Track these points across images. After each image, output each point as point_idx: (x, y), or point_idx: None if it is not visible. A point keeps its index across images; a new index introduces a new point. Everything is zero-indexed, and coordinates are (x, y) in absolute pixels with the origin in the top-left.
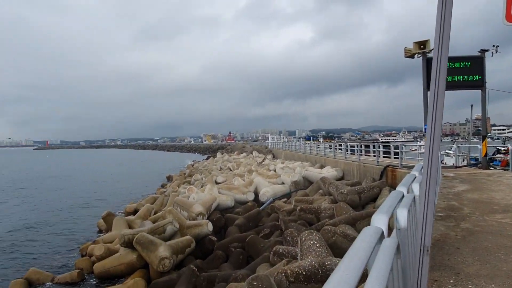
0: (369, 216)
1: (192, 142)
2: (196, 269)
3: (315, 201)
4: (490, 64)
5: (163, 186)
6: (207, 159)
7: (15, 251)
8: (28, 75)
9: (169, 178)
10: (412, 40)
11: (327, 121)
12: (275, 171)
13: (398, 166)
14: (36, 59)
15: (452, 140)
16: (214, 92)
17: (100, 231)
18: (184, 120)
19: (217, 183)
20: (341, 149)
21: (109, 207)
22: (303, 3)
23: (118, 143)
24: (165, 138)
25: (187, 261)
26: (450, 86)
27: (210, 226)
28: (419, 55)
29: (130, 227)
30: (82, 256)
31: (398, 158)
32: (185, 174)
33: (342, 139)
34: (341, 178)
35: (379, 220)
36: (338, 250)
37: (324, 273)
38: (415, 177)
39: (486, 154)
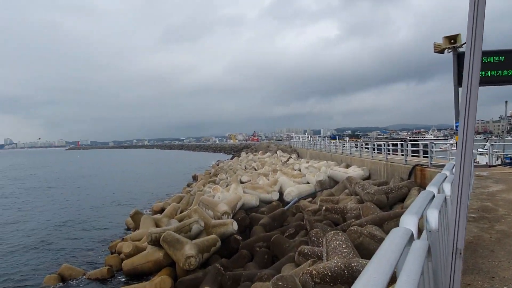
0: (397, 216)
1: (217, 141)
2: (222, 268)
3: (341, 201)
4: None
5: (189, 185)
6: (232, 158)
7: (48, 248)
8: (59, 79)
9: (195, 178)
10: (441, 35)
11: (352, 120)
12: (299, 170)
13: (428, 165)
14: (67, 63)
15: (485, 138)
16: (239, 91)
17: (128, 229)
18: (209, 120)
19: (241, 182)
20: (367, 148)
21: (136, 206)
22: (328, 0)
23: (145, 143)
24: (191, 138)
25: (213, 259)
26: (483, 81)
27: (235, 225)
28: (449, 50)
29: (157, 225)
30: (112, 253)
31: (427, 157)
32: (210, 173)
33: (369, 137)
34: (368, 178)
35: (408, 221)
36: (365, 251)
37: (351, 275)
38: (446, 176)
39: None
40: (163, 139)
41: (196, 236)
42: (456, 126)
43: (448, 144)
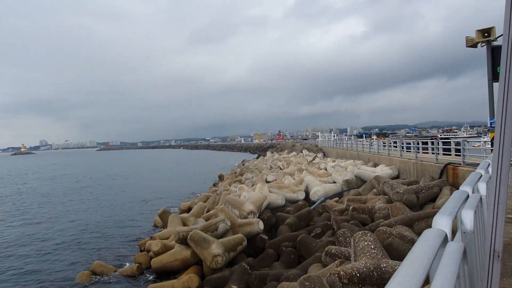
0: (428, 217)
1: (243, 141)
2: (248, 267)
3: (368, 201)
4: None
5: (215, 185)
6: (257, 158)
7: (81, 245)
8: (91, 82)
9: (221, 177)
10: (474, 29)
11: (380, 118)
12: (326, 169)
13: (460, 164)
14: (97, 66)
15: None
16: (263, 91)
17: (156, 226)
18: (234, 119)
19: (267, 182)
20: (396, 147)
21: (164, 205)
22: None
23: (172, 143)
24: (216, 138)
25: (239, 259)
26: None
27: (261, 225)
28: (483, 44)
29: (184, 224)
30: (141, 251)
31: (459, 155)
32: (236, 173)
33: (397, 136)
34: (397, 177)
35: (441, 222)
36: (394, 253)
37: (380, 276)
38: (481, 175)
39: None
40: (190, 139)
41: (223, 235)
42: (491, 123)
43: (482, 142)
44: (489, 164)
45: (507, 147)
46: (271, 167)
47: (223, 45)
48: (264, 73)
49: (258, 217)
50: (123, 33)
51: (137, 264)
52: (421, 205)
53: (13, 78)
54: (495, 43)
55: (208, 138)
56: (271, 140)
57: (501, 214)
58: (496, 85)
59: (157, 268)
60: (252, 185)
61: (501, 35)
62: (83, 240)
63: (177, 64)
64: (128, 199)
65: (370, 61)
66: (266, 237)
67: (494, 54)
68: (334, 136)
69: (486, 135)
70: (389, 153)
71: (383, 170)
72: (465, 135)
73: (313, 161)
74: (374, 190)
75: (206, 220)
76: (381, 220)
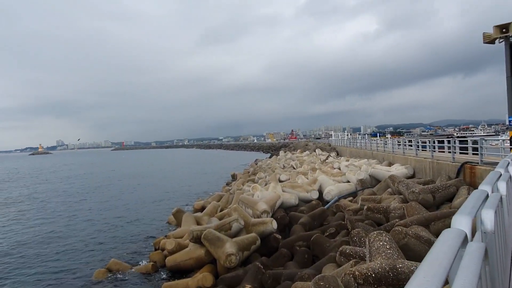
0: (445, 217)
1: (255, 140)
2: (262, 266)
3: (383, 200)
4: None
5: (228, 184)
6: (270, 157)
7: (97, 243)
8: (105, 83)
9: (234, 177)
10: (491, 24)
11: (394, 116)
12: (339, 169)
13: (478, 163)
14: (112, 68)
15: None
16: (276, 90)
17: (170, 225)
18: (247, 119)
19: (280, 181)
20: (411, 145)
21: (178, 204)
22: None
23: (185, 143)
24: (229, 137)
25: (253, 258)
26: None
27: (274, 224)
28: (501, 40)
29: (198, 223)
30: (155, 249)
31: (477, 154)
32: (249, 172)
33: (412, 134)
34: (412, 176)
35: (461, 222)
36: (410, 253)
37: (396, 277)
38: (501, 174)
39: None
40: (203, 139)
41: (236, 234)
42: (510, 121)
43: (501, 140)
44: (509, 162)
45: None
46: (284, 167)
47: (235, 44)
48: (276, 72)
49: (272, 217)
50: (137, 35)
51: (152, 263)
52: (438, 205)
53: (31, 81)
54: None
55: (221, 138)
56: (284, 139)
57: None
58: None
59: (172, 266)
60: (265, 185)
61: None
62: (99, 239)
63: (190, 65)
64: (142, 198)
65: (384, 59)
66: (280, 237)
67: None
68: (347, 135)
69: (504, 133)
70: (404, 152)
71: (398, 170)
72: (482, 134)
73: (327, 160)
74: (389, 189)
75: (220, 219)
76: (397, 220)
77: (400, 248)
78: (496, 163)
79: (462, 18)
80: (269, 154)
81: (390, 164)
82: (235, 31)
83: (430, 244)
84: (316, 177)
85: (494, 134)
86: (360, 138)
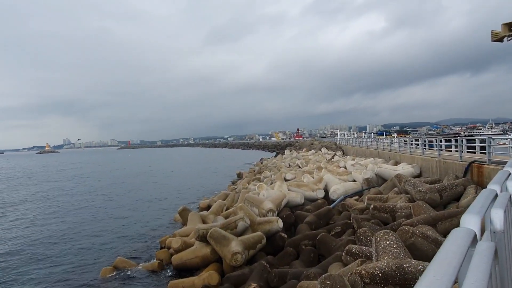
0: (452, 216)
1: (261, 139)
2: (268, 265)
3: (389, 200)
4: None
5: (233, 183)
6: (275, 156)
7: (103, 242)
8: (112, 82)
9: (239, 175)
10: (499, 22)
11: (400, 115)
12: (345, 168)
13: (486, 162)
14: (118, 67)
15: None
16: (281, 89)
17: (176, 224)
18: (252, 118)
19: (286, 180)
20: (417, 144)
21: (184, 203)
22: None
23: (191, 142)
24: (235, 136)
25: (258, 256)
26: None
27: (280, 223)
28: (509, 38)
29: (204, 222)
30: (161, 248)
31: (484, 153)
32: (254, 171)
33: (418, 133)
34: (419, 176)
35: (470, 221)
36: (418, 252)
37: (402, 276)
38: (510, 173)
39: None
40: (208, 138)
41: (242, 233)
42: None
43: (509, 139)
44: None
45: None
46: (289, 166)
47: (240, 43)
48: (282, 71)
49: (277, 216)
50: (143, 35)
51: (158, 261)
52: (445, 205)
53: (39, 80)
54: None
55: (226, 137)
56: (290, 138)
57: None
58: None
59: (178, 265)
60: (271, 184)
61: None
62: (106, 237)
63: (196, 64)
64: (148, 197)
65: (390, 57)
66: (286, 236)
67: None
68: (353, 134)
69: None
70: (410, 151)
71: (404, 169)
72: (490, 132)
73: (332, 159)
74: (395, 189)
75: (226, 218)
76: (403, 219)
77: (407, 247)
78: (504, 162)
79: (470, 16)
80: (274, 153)
81: (396, 163)
82: (240, 30)
83: (437, 243)
84: (322, 176)
85: (502, 133)
86: (366, 137)
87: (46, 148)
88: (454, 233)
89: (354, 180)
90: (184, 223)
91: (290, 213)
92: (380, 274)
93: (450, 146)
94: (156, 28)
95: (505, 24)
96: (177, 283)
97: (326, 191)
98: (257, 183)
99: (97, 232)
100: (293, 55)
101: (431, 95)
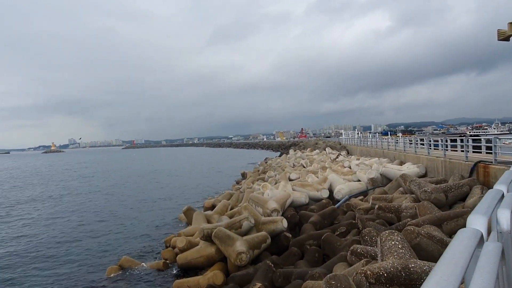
0: (457, 216)
1: (265, 139)
2: (272, 265)
3: (394, 200)
4: None
5: (238, 182)
6: (280, 156)
7: (109, 241)
8: (116, 82)
9: (244, 175)
10: (506, 21)
11: (405, 115)
12: (350, 168)
13: (492, 162)
14: (123, 67)
15: None
16: (285, 89)
17: (180, 223)
18: (256, 117)
19: (290, 180)
20: (423, 144)
21: (188, 202)
22: None
23: (195, 142)
24: (239, 136)
25: (263, 256)
26: None
27: (285, 223)
28: None
29: (208, 221)
30: (167, 247)
31: (491, 153)
32: (259, 171)
33: (424, 133)
34: (424, 175)
35: (477, 222)
36: (423, 253)
37: (408, 276)
38: None
39: None
40: (212, 137)
41: (247, 232)
42: None
43: None
44: None
45: None
46: (294, 165)
47: (244, 43)
48: (286, 70)
49: (282, 215)
50: (147, 35)
51: (163, 260)
52: (450, 205)
53: (44, 80)
54: None
55: (230, 136)
56: (294, 138)
57: None
58: None
59: (183, 264)
60: (275, 183)
61: None
62: (111, 236)
63: (199, 63)
64: (153, 197)
65: (395, 56)
66: (290, 235)
67: None
68: (358, 133)
69: None
70: (415, 151)
71: (409, 168)
72: (496, 132)
73: (337, 159)
74: (401, 188)
75: (230, 217)
76: (408, 219)
77: (412, 247)
78: (511, 163)
79: (476, 14)
80: (278, 153)
81: (401, 163)
82: (245, 29)
83: (442, 244)
84: (326, 175)
85: (508, 132)
86: (370, 136)
87: (52, 148)
88: (461, 234)
89: (359, 180)
90: (189, 223)
91: (295, 213)
92: (385, 275)
93: (455, 146)
94: (159, 27)
95: (511, 23)
96: (182, 283)
97: (331, 191)
98: (262, 182)
99: (102, 232)
100: (297, 54)
101: (436, 95)
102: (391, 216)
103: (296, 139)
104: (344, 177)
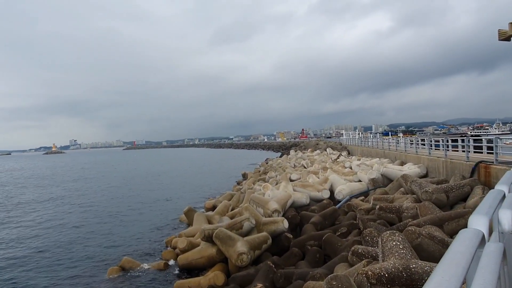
0: (459, 217)
1: (266, 140)
2: (273, 265)
3: (395, 200)
4: None
5: (238, 183)
6: (281, 156)
7: (110, 242)
8: (117, 83)
9: (244, 176)
10: (507, 21)
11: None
12: (351, 168)
13: (493, 162)
14: (124, 67)
15: None
16: (287, 89)
17: (181, 224)
18: (257, 118)
19: (291, 180)
20: (424, 144)
21: (189, 203)
22: None
23: (196, 142)
24: (240, 137)
25: (264, 257)
26: None
27: (285, 223)
28: None
29: (209, 222)
30: (168, 248)
31: (492, 153)
32: (259, 171)
33: (424, 133)
34: (425, 176)
35: (478, 222)
36: (424, 253)
37: (409, 277)
38: None
39: None
40: (213, 138)
41: (247, 233)
42: None
43: None
44: None
45: None
46: (295, 166)
47: (247, 43)
48: (287, 70)
49: (283, 216)
50: (149, 35)
51: (164, 261)
52: (451, 205)
53: (46, 81)
54: None
55: (231, 137)
56: (295, 139)
57: None
58: None
59: (184, 265)
60: (276, 184)
61: None
62: (112, 237)
63: (202, 64)
64: (154, 197)
65: (396, 57)
66: (291, 236)
67: None
68: (358, 134)
69: None
70: (416, 151)
71: (410, 169)
72: (497, 132)
73: (338, 160)
74: (401, 189)
75: (231, 218)
76: (409, 219)
77: (414, 248)
78: None
79: (478, 14)
80: (279, 153)
81: (402, 163)
82: (248, 30)
83: (444, 244)
84: (327, 176)
85: (509, 132)
86: (371, 137)
87: (53, 149)
88: (462, 234)
89: (360, 181)
90: (190, 224)
91: (296, 213)
92: (386, 275)
93: (456, 146)
94: (162, 28)
95: None
96: (183, 283)
97: (332, 191)
98: (263, 183)
99: (103, 233)
100: (299, 54)
101: (437, 95)
102: (392, 217)
103: (297, 139)
104: (345, 178)
